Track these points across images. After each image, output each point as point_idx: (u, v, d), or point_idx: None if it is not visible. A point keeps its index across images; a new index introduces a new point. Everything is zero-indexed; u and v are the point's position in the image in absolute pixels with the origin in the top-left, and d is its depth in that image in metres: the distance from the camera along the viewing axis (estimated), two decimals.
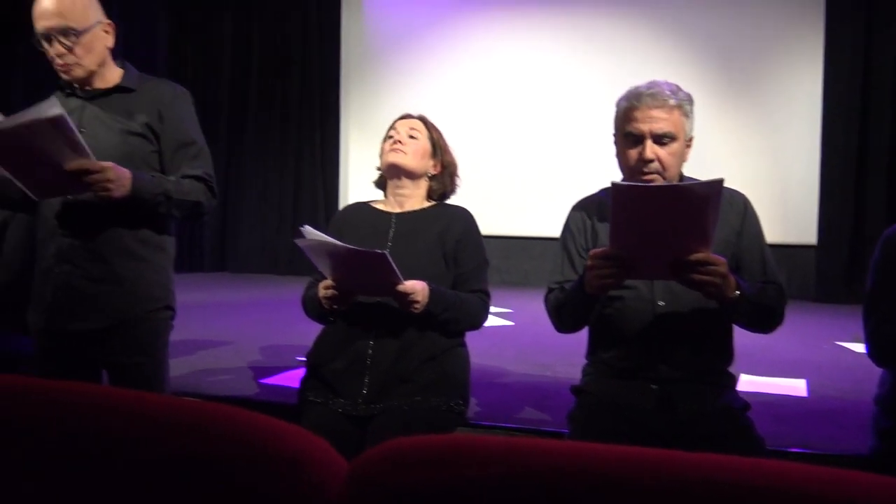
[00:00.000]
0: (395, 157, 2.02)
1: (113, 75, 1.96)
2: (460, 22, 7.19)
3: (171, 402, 0.67)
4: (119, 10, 7.18)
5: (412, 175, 2.05)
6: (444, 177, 2.09)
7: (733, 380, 1.81)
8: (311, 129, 7.61)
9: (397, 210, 2.06)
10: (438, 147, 2.08)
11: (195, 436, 0.61)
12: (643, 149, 1.67)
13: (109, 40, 1.94)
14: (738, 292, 1.54)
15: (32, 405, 0.72)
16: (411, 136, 2.05)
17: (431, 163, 2.07)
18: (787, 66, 6.44)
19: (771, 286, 1.69)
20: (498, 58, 7.09)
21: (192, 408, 0.64)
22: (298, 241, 1.76)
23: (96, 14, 1.90)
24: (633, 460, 0.57)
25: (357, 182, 7.43)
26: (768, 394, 2.94)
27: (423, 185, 2.08)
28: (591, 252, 1.54)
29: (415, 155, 2.03)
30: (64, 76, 1.90)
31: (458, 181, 2.14)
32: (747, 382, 3.02)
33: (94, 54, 1.89)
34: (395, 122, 2.11)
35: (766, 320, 1.69)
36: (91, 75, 1.91)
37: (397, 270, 1.72)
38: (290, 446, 0.59)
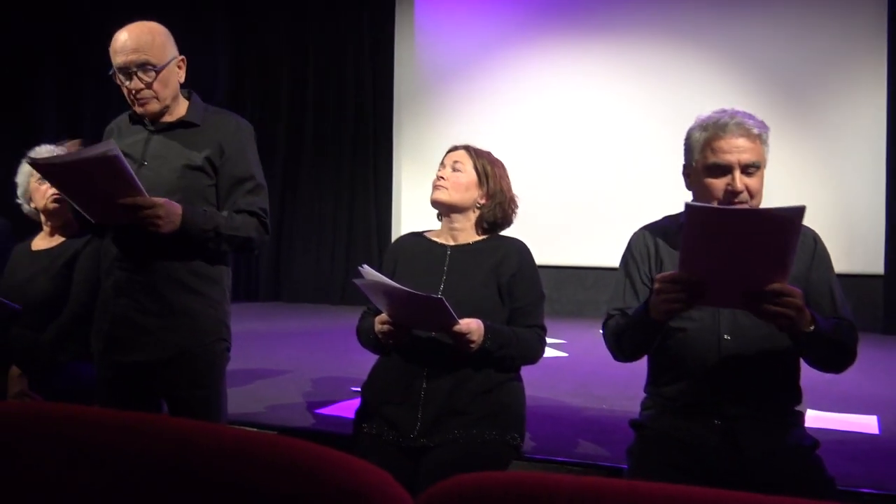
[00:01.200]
0: (435, 195, 2.04)
1: (180, 108, 2.00)
2: (511, 53, 7.24)
3: (233, 432, 0.67)
4: (181, 43, 7.47)
5: (457, 209, 2.04)
6: (492, 206, 2.04)
7: (801, 417, 1.73)
8: (364, 160, 7.73)
9: (451, 243, 2.06)
10: (485, 176, 2.03)
11: (258, 467, 0.61)
12: (732, 180, 1.62)
13: (181, 75, 1.99)
14: (812, 327, 1.47)
15: (94, 434, 0.74)
16: (455, 169, 2.03)
17: (477, 193, 2.03)
18: (848, 90, 6.27)
19: (844, 323, 1.62)
20: (549, 88, 7.10)
21: (253, 439, 0.65)
22: (357, 281, 1.78)
23: (172, 50, 1.96)
24: (700, 503, 0.55)
25: (409, 213, 7.50)
26: (837, 431, 2.81)
27: (473, 216, 2.06)
28: (659, 275, 1.49)
29: (455, 188, 2.02)
30: (139, 110, 1.94)
31: (514, 211, 2.09)
32: (814, 418, 2.90)
33: (170, 89, 1.94)
34: (445, 155, 2.11)
35: (838, 358, 1.62)
36: (163, 109, 1.96)
37: (453, 312, 1.73)
38: (355, 480, 0.59)
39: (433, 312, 1.74)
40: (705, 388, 1.67)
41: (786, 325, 1.44)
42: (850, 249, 5.97)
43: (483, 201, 2.04)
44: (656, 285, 1.48)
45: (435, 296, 1.70)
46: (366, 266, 1.81)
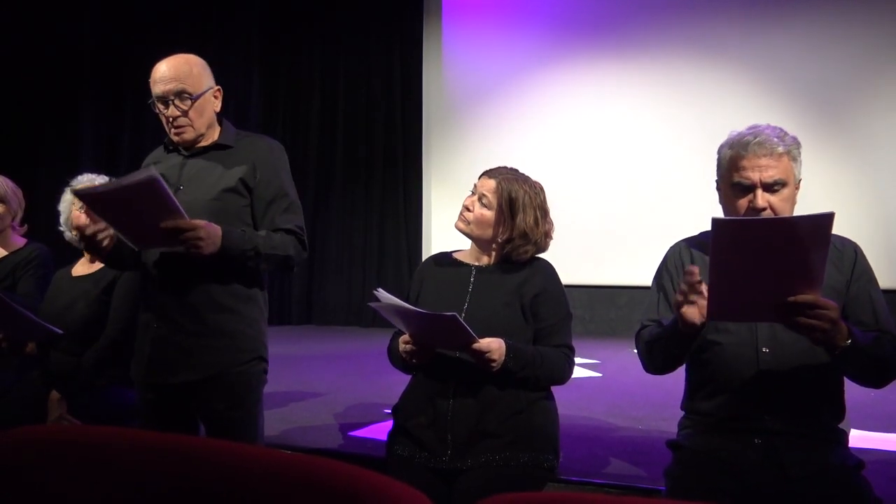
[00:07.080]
0: (457, 223, 2.05)
1: (213, 133, 2.06)
2: (539, 74, 7.25)
3: (271, 454, 0.68)
4: (216, 69, 7.64)
5: (476, 241, 2.05)
6: (514, 245, 1.98)
7: (844, 436, 1.69)
8: (394, 184, 7.80)
9: (477, 263, 2.06)
10: (510, 217, 1.97)
11: (298, 489, 0.61)
12: (754, 198, 1.62)
13: (217, 104, 2.06)
14: (849, 341, 1.44)
15: (133, 456, 0.75)
16: (482, 203, 2.00)
17: (499, 230, 1.99)
18: (882, 98, 6.15)
19: (886, 336, 1.58)
20: (579, 108, 7.09)
21: (292, 461, 0.65)
22: (372, 304, 1.81)
23: (209, 80, 2.03)
24: None
25: (439, 235, 7.51)
26: (884, 451, 2.73)
27: (496, 245, 2.03)
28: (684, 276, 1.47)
29: (477, 224, 2.00)
30: (176, 138, 2.01)
31: (544, 243, 2.02)
32: (859, 438, 2.82)
33: (205, 118, 2.01)
34: (480, 177, 2.07)
35: (879, 373, 1.57)
36: (198, 137, 2.02)
37: (470, 330, 1.73)
38: (393, 502, 0.59)
39: (449, 331, 1.75)
40: (743, 403, 1.63)
41: (820, 339, 1.42)
42: (893, 263, 5.82)
43: (504, 238, 2.00)
44: (678, 297, 1.47)
45: (448, 314, 1.69)
46: (380, 290, 1.82)
